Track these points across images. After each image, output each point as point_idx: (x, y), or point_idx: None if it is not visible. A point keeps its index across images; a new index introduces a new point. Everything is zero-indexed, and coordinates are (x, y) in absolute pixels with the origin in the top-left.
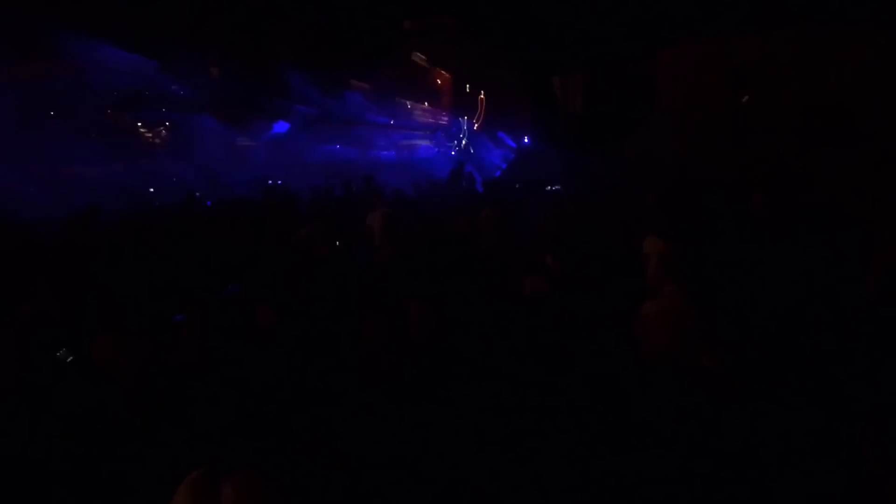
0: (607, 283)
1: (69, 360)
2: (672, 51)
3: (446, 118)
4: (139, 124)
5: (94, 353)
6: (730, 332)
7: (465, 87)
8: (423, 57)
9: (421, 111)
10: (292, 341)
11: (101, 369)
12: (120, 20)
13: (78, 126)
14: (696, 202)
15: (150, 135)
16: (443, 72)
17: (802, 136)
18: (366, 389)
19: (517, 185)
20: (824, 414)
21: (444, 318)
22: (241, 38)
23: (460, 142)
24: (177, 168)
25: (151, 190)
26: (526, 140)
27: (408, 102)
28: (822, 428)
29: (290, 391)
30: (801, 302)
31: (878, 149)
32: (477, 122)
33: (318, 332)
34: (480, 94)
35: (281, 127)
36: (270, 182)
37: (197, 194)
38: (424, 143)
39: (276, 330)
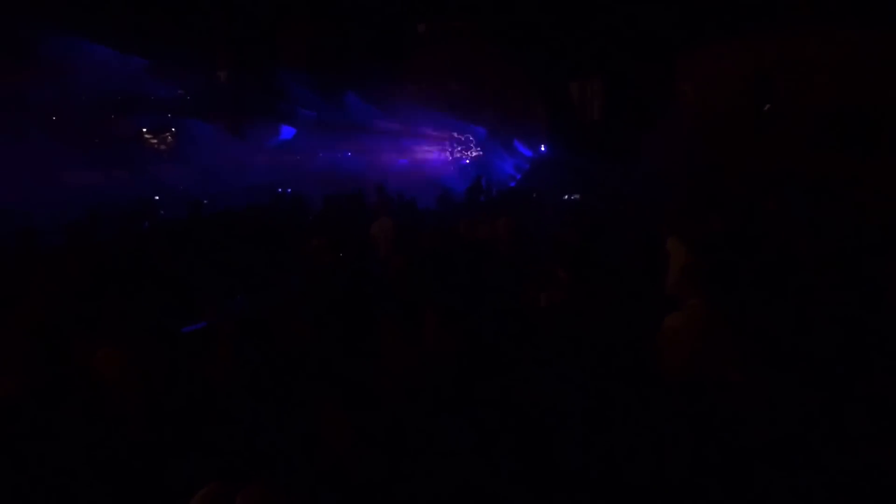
0: (624, 294)
1: (71, 372)
2: (692, 54)
3: (461, 126)
4: (143, 130)
5: (97, 366)
6: (754, 346)
7: (480, 93)
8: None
9: (435, 118)
10: (308, 353)
11: (104, 383)
12: (117, 19)
13: (77, 131)
14: (717, 209)
15: (154, 141)
16: (457, 78)
17: (825, 142)
18: (383, 400)
19: (534, 195)
20: (848, 433)
21: (460, 329)
22: (248, 42)
23: (474, 150)
24: (181, 175)
25: (157, 198)
26: (542, 148)
27: (421, 109)
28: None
29: (307, 402)
30: (827, 316)
31: None
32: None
33: (333, 344)
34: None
35: (287, 133)
36: (280, 190)
37: (205, 202)
38: (437, 150)
39: (292, 341)
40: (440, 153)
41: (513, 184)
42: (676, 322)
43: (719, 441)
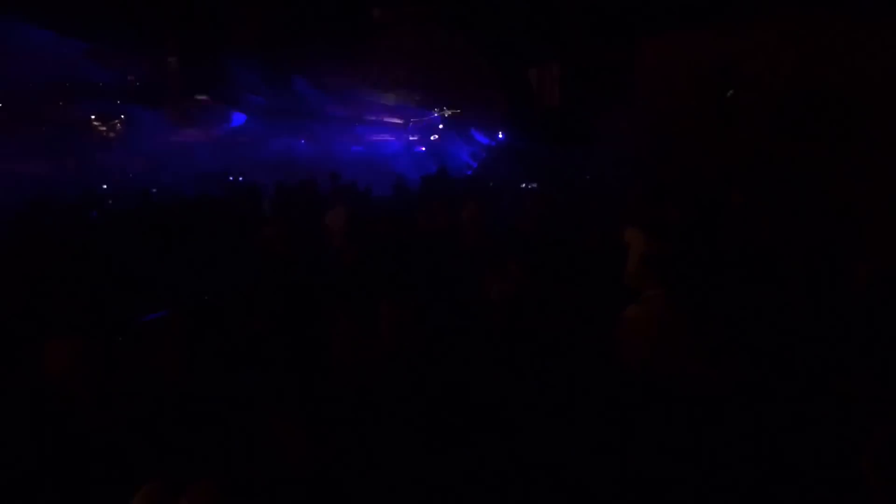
0: (580, 285)
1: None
2: (653, 41)
3: (416, 113)
4: (91, 117)
5: (44, 358)
6: (717, 336)
7: (436, 79)
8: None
9: (389, 105)
10: (259, 346)
11: (52, 375)
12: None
13: (16, 118)
14: (677, 199)
15: (102, 128)
16: (413, 64)
17: (789, 130)
18: (336, 395)
19: (491, 183)
20: (818, 419)
21: (415, 321)
22: (195, 23)
23: (429, 137)
24: (128, 163)
25: (105, 187)
26: (500, 135)
27: (375, 96)
28: (816, 434)
29: (254, 398)
30: (788, 303)
31: (867, 143)
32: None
33: (286, 337)
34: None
35: (237, 119)
36: (231, 178)
37: (153, 190)
38: (391, 138)
39: (243, 334)
40: (395, 141)
41: (468, 172)
42: (635, 313)
43: (683, 434)
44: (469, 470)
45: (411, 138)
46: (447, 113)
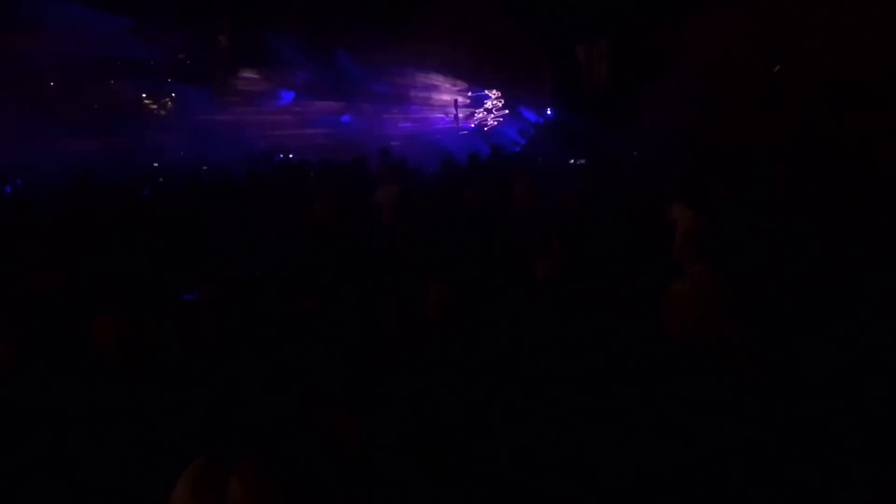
0: (624, 265)
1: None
2: (700, 18)
3: (465, 90)
4: (142, 95)
5: (93, 334)
6: (761, 312)
7: (486, 57)
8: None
9: (437, 83)
10: (310, 323)
11: (100, 350)
12: None
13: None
14: (725, 176)
15: (154, 106)
16: (461, 42)
17: (834, 107)
18: (382, 373)
19: (539, 159)
20: (853, 399)
21: (462, 300)
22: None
23: (477, 114)
24: (179, 142)
25: (156, 164)
26: (549, 112)
27: (424, 74)
28: (852, 413)
29: (300, 377)
30: (830, 282)
31: None
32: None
33: (334, 313)
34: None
35: (286, 97)
36: (282, 156)
37: (204, 168)
38: (440, 115)
39: (291, 312)
40: (443, 118)
41: (517, 149)
42: (680, 289)
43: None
44: (514, 448)
45: (460, 115)
46: (494, 92)
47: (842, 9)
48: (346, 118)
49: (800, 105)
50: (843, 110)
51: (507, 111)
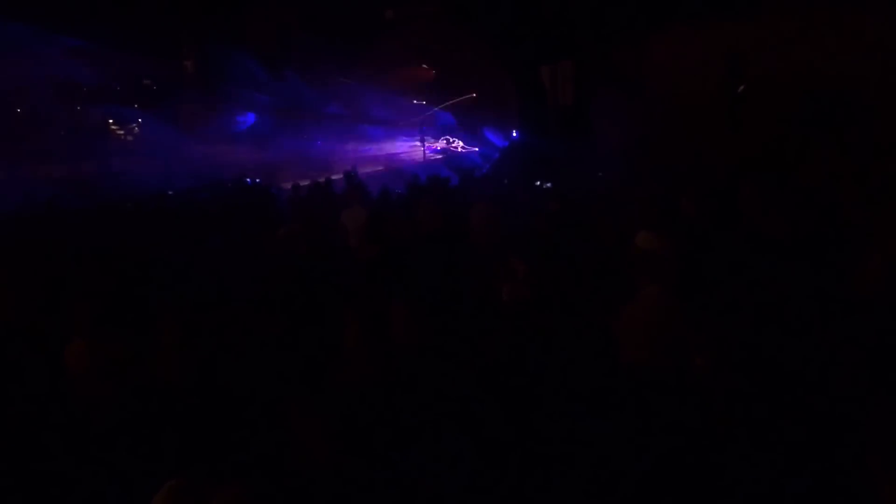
0: (590, 286)
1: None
2: (664, 36)
3: (428, 112)
4: (109, 121)
5: (65, 359)
6: (719, 331)
7: (448, 79)
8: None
9: (401, 105)
10: (272, 347)
11: (73, 376)
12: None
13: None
14: (690, 195)
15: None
16: (424, 64)
17: (799, 124)
18: (346, 394)
19: (505, 181)
20: (819, 417)
21: (426, 322)
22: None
23: (441, 136)
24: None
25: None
26: (514, 134)
27: (387, 96)
28: (817, 430)
29: (271, 398)
30: (794, 299)
31: (878, 137)
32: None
33: (298, 336)
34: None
35: (249, 119)
36: (249, 181)
37: (170, 192)
38: (402, 138)
39: (257, 335)
40: (405, 141)
41: (478, 173)
42: (630, 310)
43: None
44: (477, 465)
45: (426, 137)
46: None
47: (810, 27)
48: (313, 141)
49: (765, 124)
50: (809, 129)
51: (469, 134)
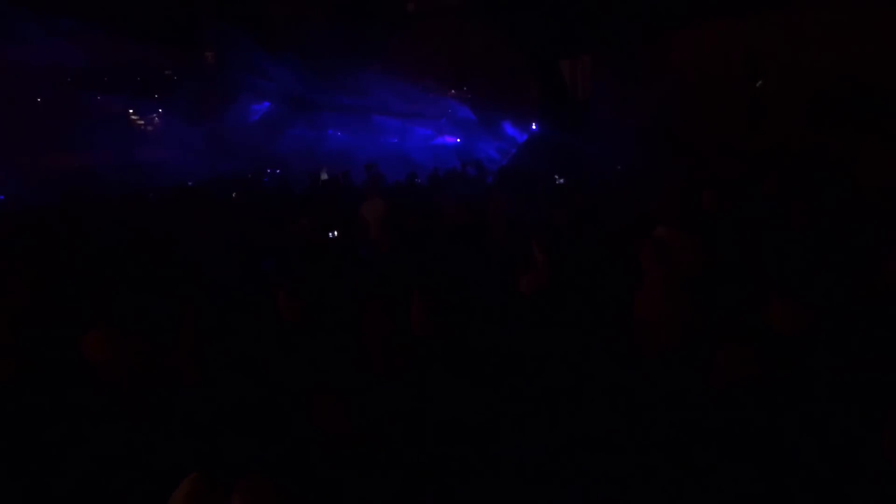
0: (609, 278)
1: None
2: (685, 32)
3: (450, 106)
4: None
5: (84, 350)
6: (732, 322)
7: (469, 72)
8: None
9: (423, 98)
10: (294, 336)
11: (92, 367)
12: None
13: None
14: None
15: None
16: (446, 57)
17: (819, 119)
18: (366, 383)
19: (525, 176)
20: (832, 406)
21: (447, 311)
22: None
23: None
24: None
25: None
26: (533, 127)
27: (408, 89)
28: (830, 419)
29: (292, 388)
30: (815, 290)
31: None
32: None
33: (318, 325)
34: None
35: (265, 109)
36: (269, 171)
37: (189, 183)
38: (425, 131)
39: (278, 324)
40: (428, 134)
41: (504, 163)
42: (641, 296)
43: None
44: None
45: (447, 130)
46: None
47: (828, 18)
48: (332, 131)
49: (786, 118)
50: (830, 123)
51: (487, 128)
